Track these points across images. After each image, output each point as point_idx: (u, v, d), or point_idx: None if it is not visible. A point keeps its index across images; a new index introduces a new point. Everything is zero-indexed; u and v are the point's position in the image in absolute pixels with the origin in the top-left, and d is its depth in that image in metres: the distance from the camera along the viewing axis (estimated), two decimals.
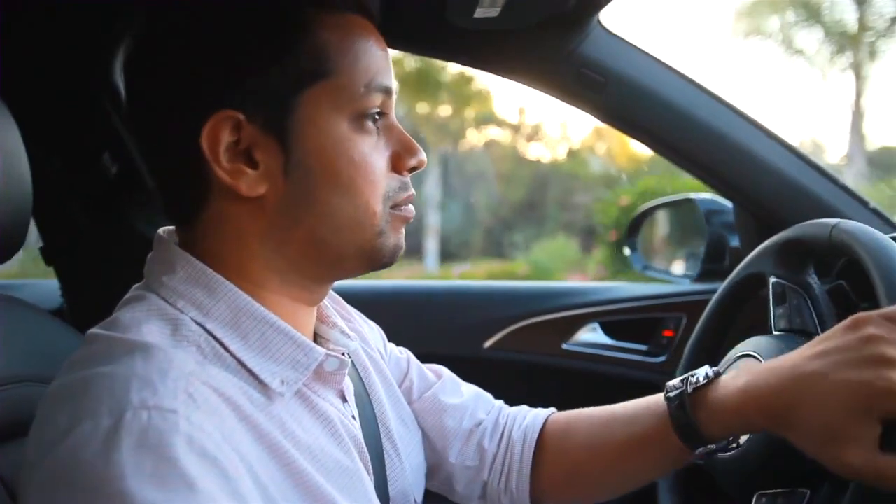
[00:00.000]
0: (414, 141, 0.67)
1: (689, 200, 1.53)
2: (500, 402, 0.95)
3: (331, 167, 0.62)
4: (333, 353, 0.66)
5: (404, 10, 0.72)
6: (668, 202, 1.67)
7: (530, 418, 0.90)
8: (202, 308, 0.60)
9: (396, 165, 0.66)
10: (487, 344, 1.38)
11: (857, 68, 10.75)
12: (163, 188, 0.66)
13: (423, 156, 0.68)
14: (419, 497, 0.80)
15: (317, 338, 0.72)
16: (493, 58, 1.13)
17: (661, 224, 1.75)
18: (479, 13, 0.95)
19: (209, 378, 0.55)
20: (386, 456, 0.74)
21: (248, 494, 0.51)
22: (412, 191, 0.68)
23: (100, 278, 1.26)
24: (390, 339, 1.20)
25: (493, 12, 0.95)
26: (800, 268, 0.85)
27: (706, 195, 1.47)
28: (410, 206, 0.69)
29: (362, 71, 0.63)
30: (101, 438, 0.47)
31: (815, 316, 0.81)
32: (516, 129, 11.69)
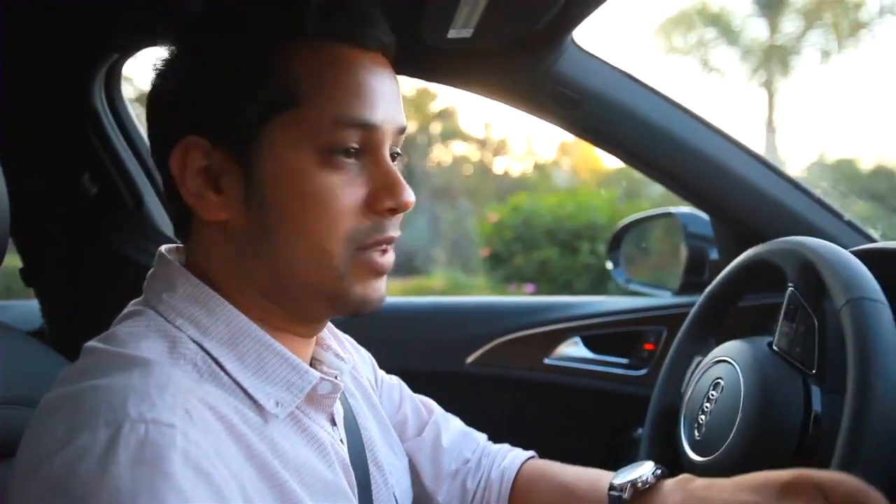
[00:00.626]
0: (400, 181, 0.63)
1: (669, 214, 1.55)
2: (484, 438, 0.96)
3: (287, 201, 0.60)
4: (327, 378, 0.66)
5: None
6: (648, 216, 1.68)
7: (508, 460, 0.92)
8: (200, 327, 0.60)
9: (373, 205, 0.62)
10: (470, 359, 1.39)
11: (769, 85, 11.09)
12: (168, 210, 0.67)
13: (406, 197, 0.63)
14: None
15: (311, 359, 0.72)
16: (469, 76, 1.14)
17: (644, 238, 1.77)
18: (453, 34, 0.96)
19: (205, 396, 0.55)
20: (372, 480, 0.74)
21: None
22: (390, 234, 0.63)
23: (80, 299, 1.26)
24: (375, 356, 1.19)
25: (467, 33, 0.96)
26: (819, 294, 0.80)
27: (686, 209, 1.48)
28: (386, 256, 0.64)
29: (334, 104, 0.60)
30: (98, 451, 0.48)
31: (818, 352, 0.76)
32: (482, 143, 11.82)
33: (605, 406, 1.40)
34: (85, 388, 0.53)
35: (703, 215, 1.40)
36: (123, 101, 1.24)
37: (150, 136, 0.67)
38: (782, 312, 0.78)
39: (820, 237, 0.80)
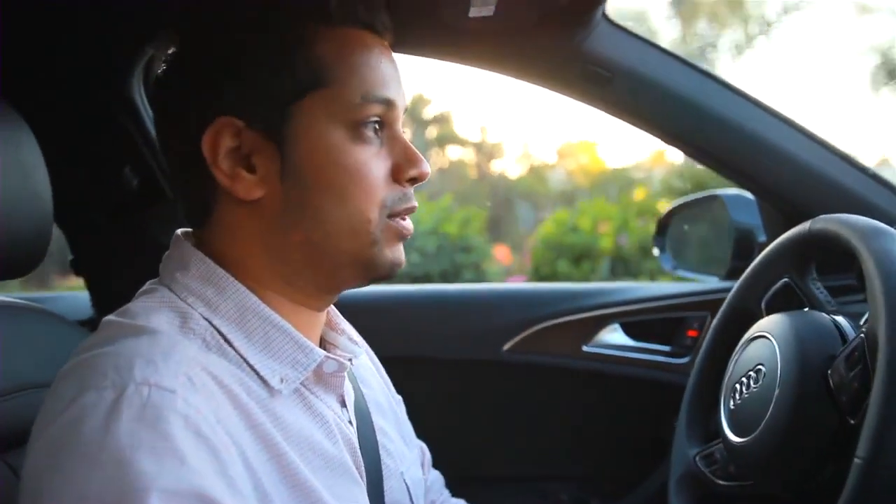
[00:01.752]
0: (418, 153, 0.68)
1: (715, 197, 1.50)
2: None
3: (324, 173, 0.64)
4: (333, 356, 0.67)
5: (400, 12, 0.72)
6: (694, 200, 1.62)
7: None
8: (210, 305, 0.63)
9: (397, 176, 0.67)
10: (506, 346, 1.37)
11: None
12: (178, 192, 0.70)
13: (425, 168, 0.68)
14: None
15: (324, 343, 0.74)
16: (496, 57, 1.12)
17: (690, 222, 1.71)
18: (474, 12, 0.95)
19: (210, 366, 0.58)
20: (384, 466, 0.74)
21: (237, 477, 0.53)
22: (413, 203, 0.68)
23: (126, 289, 1.30)
24: (409, 344, 1.19)
25: (488, 11, 0.94)
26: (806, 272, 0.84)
27: (733, 191, 1.43)
28: (408, 222, 0.69)
29: (359, 82, 0.65)
30: (103, 409, 0.51)
31: (860, 414, 0.69)
32: (479, 147, 11.88)
33: (647, 395, 1.36)
34: (95, 355, 0.56)
35: (750, 196, 1.34)
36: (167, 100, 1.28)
37: (167, 119, 0.69)
38: (847, 351, 0.71)
39: (875, 216, 0.75)
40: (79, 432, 0.50)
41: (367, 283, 0.70)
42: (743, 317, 0.93)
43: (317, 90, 0.64)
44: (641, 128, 1.18)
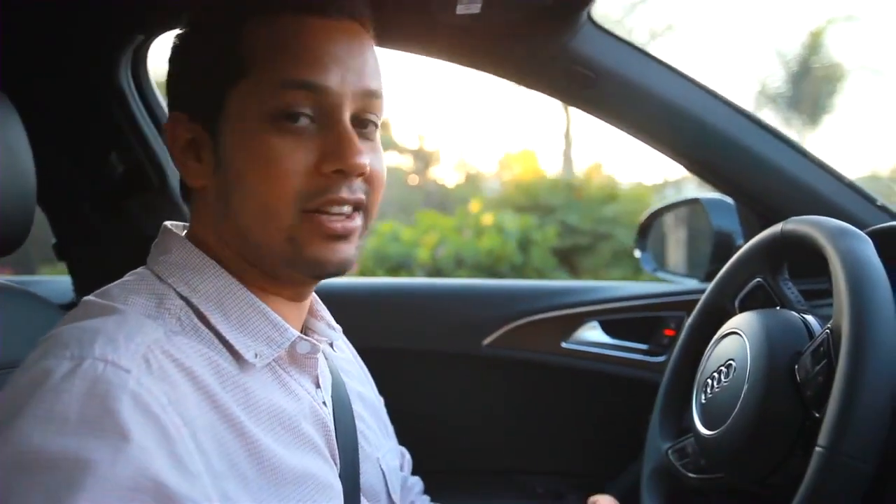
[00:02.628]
0: (351, 144, 0.63)
1: (696, 201, 1.52)
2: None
3: (240, 165, 0.64)
4: (306, 337, 0.69)
5: (387, 6, 0.73)
6: (676, 203, 1.65)
7: None
8: (190, 284, 0.65)
9: (320, 167, 0.63)
10: (486, 341, 1.38)
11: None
12: (180, 180, 0.72)
13: (353, 160, 0.63)
14: (396, 497, 0.82)
15: (304, 329, 0.75)
16: (483, 56, 1.14)
17: (671, 225, 1.73)
18: (461, 9, 0.96)
19: (173, 349, 0.59)
20: (360, 450, 0.75)
21: (187, 456, 0.54)
22: (341, 195, 0.64)
23: (107, 275, 1.30)
24: (390, 336, 1.20)
25: (475, 8, 0.96)
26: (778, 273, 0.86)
27: (713, 195, 1.45)
28: (338, 222, 0.64)
29: (277, 67, 0.63)
30: (58, 376, 0.52)
31: (824, 409, 0.70)
32: (416, 154, 11.93)
33: (623, 392, 1.38)
34: (64, 329, 0.58)
35: (730, 201, 1.37)
36: (150, 82, 1.28)
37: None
38: (813, 346, 0.73)
39: (849, 221, 0.77)
40: (32, 395, 0.51)
41: (311, 278, 0.68)
42: (717, 315, 0.95)
43: (242, 80, 0.63)
44: (624, 130, 1.20)
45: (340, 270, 0.66)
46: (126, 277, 0.66)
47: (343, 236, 0.65)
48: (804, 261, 0.85)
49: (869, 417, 0.61)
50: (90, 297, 0.63)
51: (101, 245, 1.32)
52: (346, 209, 0.65)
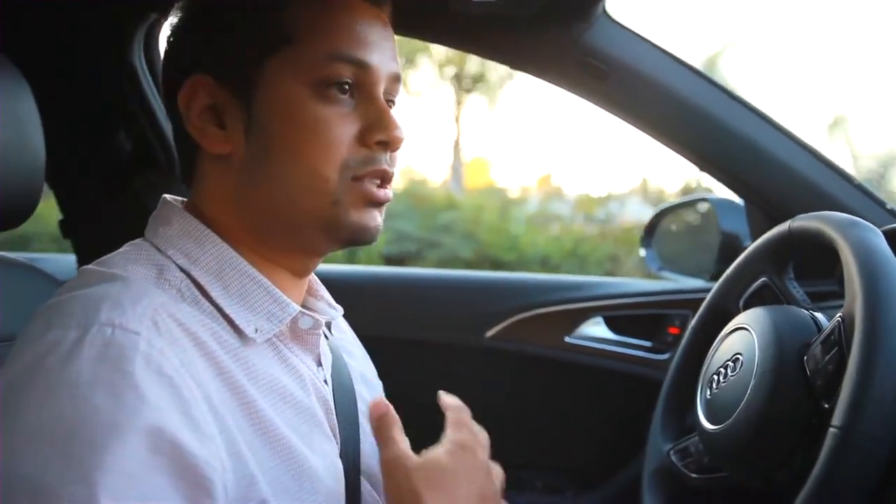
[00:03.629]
0: (392, 118, 0.66)
1: (703, 200, 1.51)
2: None
3: (284, 131, 0.64)
4: (308, 312, 0.68)
5: None
6: (683, 202, 1.65)
7: None
8: (190, 256, 0.64)
9: (364, 138, 0.65)
10: (489, 333, 1.38)
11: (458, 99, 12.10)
12: (177, 151, 0.72)
13: (396, 132, 0.66)
14: None
15: (304, 308, 0.74)
16: (497, 45, 1.13)
17: (677, 224, 1.73)
18: None
19: (179, 314, 0.58)
20: (362, 431, 0.75)
21: (201, 418, 0.54)
22: (383, 167, 0.66)
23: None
24: (393, 325, 1.19)
25: None
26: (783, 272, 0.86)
27: (721, 195, 1.44)
28: (383, 189, 0.67)
29: (326, 41, 0.64)
30: (66, 346, 0.52)
31: (836, 396, 0.70)
32: None
33: (626, 388, 1.37)
34: (66, 297, 0.57)
35: (738, 202, 1.36)
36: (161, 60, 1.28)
37: (163, 79, 0.71)
38: (823, 335, 0.72)
39: None
40: (40, 366, 0.51)
41: (340, 246, 0.69)
42: (722, 315, 0.95)
43: (284, 49, 0.64)
44: (635, 125, 1.19)
45: (374, 237, 0.68)
46: (124, 248, 0.66)
47: (382, 203, 0.68)
48: (812, 259, 0.85)
49: (885, 397, 0.60)
50: (89, 266, 0.63)
51: (107, 223, 1.32)
52: (380, 180, 0.67)
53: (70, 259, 1.45)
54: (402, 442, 0.65)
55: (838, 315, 0.71)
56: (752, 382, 0.76)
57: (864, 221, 0.73)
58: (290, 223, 0.66)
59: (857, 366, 0.62)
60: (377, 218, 0.68)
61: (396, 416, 0.67)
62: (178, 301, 0.61)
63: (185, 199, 0.71)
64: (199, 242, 0.65)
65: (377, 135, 0.65)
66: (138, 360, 0.52)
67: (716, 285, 0.98)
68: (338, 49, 0.64)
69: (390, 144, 0.66)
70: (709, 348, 0.91)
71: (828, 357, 0.70)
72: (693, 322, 1.01)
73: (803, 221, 0.82)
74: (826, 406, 0.69)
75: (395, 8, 0.72)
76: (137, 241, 0.67)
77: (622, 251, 6.67)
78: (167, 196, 0.70)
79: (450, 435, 0.69)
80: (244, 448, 0.57)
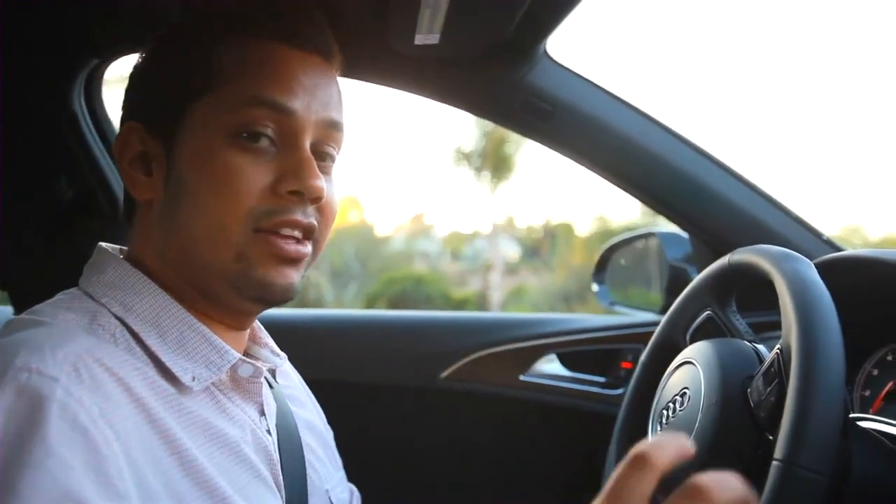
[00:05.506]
0: (310, 167, 0.63)
1: (651, 235, 1.54)
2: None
3: (194, 179, 0.63)
4: (248, 360, 0.67)
5: (346, 35, 0.73)
6: (632, 237, 1.67)
7: None
8: (125, 305, 0.62)
9: (276, 187, 0.63)
10: (444, 374, 1.37)
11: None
12: (123, 200, 0.72)
13: (310, 181, 0.63)
14: None
15: (246, 355, 0.72)
16: (440, 86, 1.15)
17: (627, 259, 1.76)
18: (420, 39, 0.97)
19: (107, 359, 0.56)
20: (309, 482, 0.73)
21: (115, 474, 0.51)
22: (292, 217, 0.63)
23: None
24: (345, 368, 1.16)
25: (433, 39, 0.97)
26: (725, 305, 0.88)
27: (668, 230, 1.48)
28: (289, 244, 0.63)
29: (247, 85, 0.63)
30: None
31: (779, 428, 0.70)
32: None
33: (581, 425, 1.37)
34: None
35: (684, 235, 1.39)
36: (104, 106, 1.25)
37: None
38: (764, 367, 0.73)
39: (798, 253, 0.77)
40: None
41: (252, 303, 0.66)
42: (670, 349, 0.95)
43: (207, 94, 0.63)
44: (580, 163, 1.22)
45: (285, 296, 0.65)
46: (56, 297, 0.64)
47: (294, 260, 0.64)
48: (754, 290, 0.87)
49: (823, 428, 0.61)
50: (17, 317, 0.61)
51: (46, 274, 1.27)
52: (298, 233, 0.64)
53: (6, 311, 1.39)
54: None
55: (777, 347, 0.72)
56: (699, 416, 0.76)
57: (797, 254, 0.74)
58: (200, 276, 0.64)
59: (794, 398, 0.62)
60: (289, 275, 0.64)
61: None
62: (110, 345, 0.59)
63: (124, 248, 0.70)
64: (136, 291, 0.63)
65: (289, 184, 0.63)
66: (52, 409, 0.49)
67: (663, 320, 0.99)
68: (255, 92, 0.63)
69: (306, 194, 0.63)
70: (658, 381, 0.92)
71: (769, 389, 0.70)
72: (642, 357, 1.01)
73: (741, 255, 0.84)
74: (770, 437, 0.69)
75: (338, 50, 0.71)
76: (71, 290, 0.65)
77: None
78: (102, 244, 0.69)
79: None
80: (170, 502, 0.55)
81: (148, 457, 0.55)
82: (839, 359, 0.63)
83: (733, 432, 0.72)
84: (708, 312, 0.92)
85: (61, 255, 1.26)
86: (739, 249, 0.84)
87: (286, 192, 0.63)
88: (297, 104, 0.64)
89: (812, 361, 0.63)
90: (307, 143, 0.65)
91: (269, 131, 0.63)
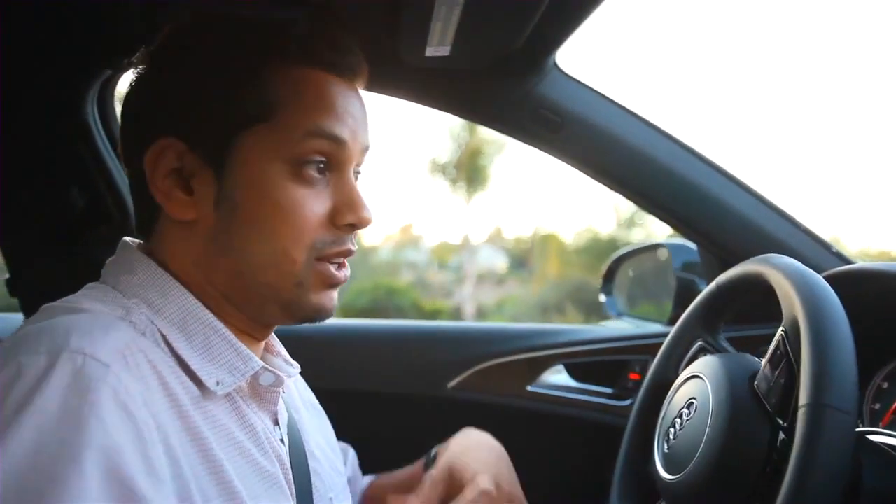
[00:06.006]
0: (362, 199, 0.67)
1: (659, 246, 1.54)
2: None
3: (255, 206, 0.64)
4: (270, 369, 0.68)
5: (358, 47, 0.74)
6: (640, 248, 1.67)
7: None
8: (153, 307, 0.63)
9: (334, 219, 0.66)
10: (451, 384, 1.37)
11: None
12: (134, 206, 0.72)
13: (366, 213, 0.67)
14: None
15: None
16: (450, 98, 1.16)
17: (635, 270, 1.76)
18: (430, 51, 0.97)
19: (149, 352, 0.58)
20: (314, 489, 0.74)
21: (157, 460, 0.53)
22: (347, 246, 0.67)
23: None
24: (354, 377, 1.16)
25: (444, 51, 0.97)
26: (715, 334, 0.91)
27: (677, 240, 1.48)
28: (340, 271, 0.68)
29: (305, 118, 0.65)
30: (34, 374, 0.51)
31: (792, 408, 0.72)
32: None
33: (589, 436, 1.36)
34: (31, 328, 0.56)
35: (692, 246, 1.39)
36: (116, 116, 1.27)
37: (123, 133, 0.71)
38: (769, 354, 0.75)
39: (806, 265, 0.77)
40: (7, 395, 0.50)
41: (294, 323, 0.69)
42: (666, 388, 0.95)
43: (263, 123, 0.64)
44: (589, 174, 1.22)
45: (329, 317, 0.69)
46: (84, 289, 0.65)
47: (340, 284, 0.68)
48: (745, 309, 0.90)
49: (843, 367, 0.63)
50: (51, 304, 0.62)
51: (57, 281, 1.28)
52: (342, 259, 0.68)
53: (17, 318, 1.40)
54: None
55: (780, 330, 0.73)
56: (709, 419, 0.76)
57: (776, 256, 0.78)
58: (252, 297, 0.66)
59: (812, 347, 0.64)
60: (334, 299, 0.69)
61: None
62: (145, 340, 0.60)
63: (142, 243, 0.70)
64: (164, 293, 0.64)
65: (347, 217, 0.66)
66: (105, 391, 0.51)
67: (655, 359, 1.00)
68: (316, 125, 0.65)
69: (359, 226, 0.67)
70: (656, 420, 0.92)
71: (777, 372, 0.72)
72: (638, 399, 1.01)
73: (727, 275, 0.87)
74: (784, 424, 0.70)
75: None
76: (96, 284, 0.66)
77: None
78: (127, 239, 0.69)
79: None
80: (197, 496, 0.56)
81: (181, 451, 0.56)
82: (844, 319, 0.66)
83: (746, 423, 0.73)
84: (699, 343, 0.94)
85: (72, 262, 1.27)
86: (724, 273, 0.88)
87: (343, 224, 0.66)
88: (348, 134, 0.67)
89: (821, 321, 0.66)
90: (352, 171, 0.68)
91: (321, 161, 0.66)
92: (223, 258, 0.65)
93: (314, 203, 0.65)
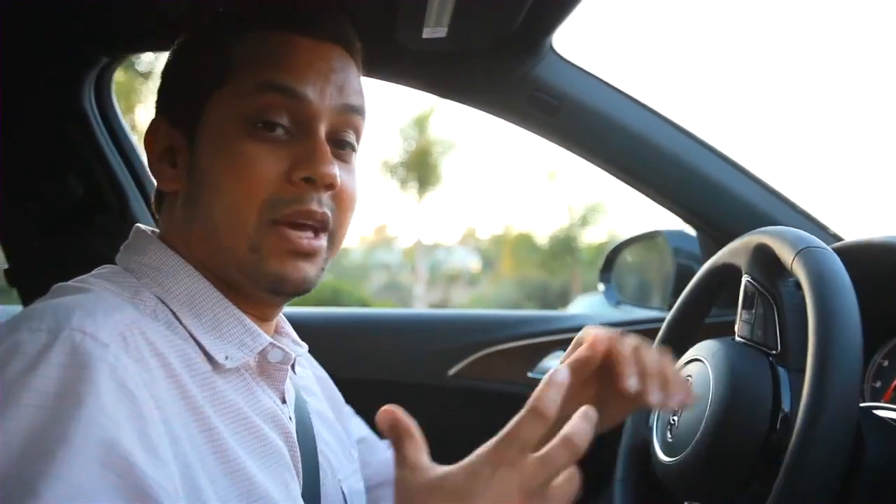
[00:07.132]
0: (323, 154, 0.63)
1: (658, 233, 1.54)
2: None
3: (213, 168, 0.64)
4: (279, 345, 0.68)
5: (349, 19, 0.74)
6: (639, 236, 1.67)
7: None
8: (163, 285, 0.64)
9: (290, 174, 0.63)
10: (452, 371, 1.36)
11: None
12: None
13: (322, 168, 0.62)
14: None
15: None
16: (447, 82, 1.16)
17: (634, 258, 1.75)
18: (427, 33, 0.97)
19: (150, 333, 0.58)
20: (321, 470, 0.74)
21: (157, 439, 0.52)
22: (309, 206, 0.62)
23: None
24: (355, 365, 1.16)
25: (441, 32, 0.97)
26: (773, 273, 0.81)
27: (674, 228, 1.47)
28: (303, 237, 0.63)
29: (257, 75, 0.64)
30: (35, 347, 0.51)
31: (778, 331, 0.77)
32: None
33: None
34: (37, 307, 0.57)
35: (691, 233, 1.39)
36: (113, 104, 1.27)
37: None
38: (740, 303, 0.77)
39: None
40: (5, 371, 0.50)
41: (275, 297, 0.66)
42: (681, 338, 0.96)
43: (223, 85, 0.65)
44: (586, 158, 1.22)
45: (300, 289, 0.65)
46: (96, 270, 0.65)
47: (307, 254, 0.64)
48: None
49: (849, 341, 0.64)
50: (61, 283, 0.62)
51: (56, 271, 1.28)
52: (313, 225, 0.64)
53: (16, 310, 1.40)
54: (414, 454, 0.54)
55: (745, 278, 0.77)
56: (709, 400, 0.76)
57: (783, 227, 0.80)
58: (217, 262, 0.66)
59: (816, 317, 0.65)
60: (302, 269, 0.64)
61: (408, 424, 0.55)
62: (152, 320, 0.60)
63: (156, 230, 0.71)
64: (173, 273, 0.65)
65: (302, 171, 0.62)
66: (103, 369, 0.51)
67: (653, 345, 1.00)
68: (268, 78, 0.64)
69: (318, 181, 0.63)
70: None
71: (753, 309, 0.76)
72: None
73: (723, 251, 0.90)
74: (786, 410, 0.71)
75: None
76: (109, 266, 0.67)
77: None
78: (140, 225, 0.71)
79: (484, 449, 0.55)
80: (201, 475, 0.56)
81: (183, 431, 0.56)
82: (851, 289, 0.67)
83: (746, 405, 0.74)
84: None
85: (71, 251, 1.27)
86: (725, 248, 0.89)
87: (299, 180, 0.63)
88: (310, 90, 0.64)
89: (823, 286, 0.67)
90: (322, 131, 0.65)
91: (284, 120, 0.64)
92: (192, 224, 0.66)
93: (268, 159, 0.62)
